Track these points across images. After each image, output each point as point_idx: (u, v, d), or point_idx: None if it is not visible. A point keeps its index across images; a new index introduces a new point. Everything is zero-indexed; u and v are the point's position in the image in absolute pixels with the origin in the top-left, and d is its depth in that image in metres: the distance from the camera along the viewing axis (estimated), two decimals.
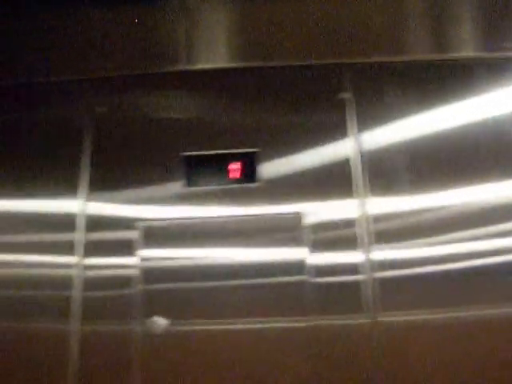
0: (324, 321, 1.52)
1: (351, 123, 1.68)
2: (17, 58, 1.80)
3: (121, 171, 1.66)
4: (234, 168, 1.66)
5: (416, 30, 1.79)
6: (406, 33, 1.78)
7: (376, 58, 1.75)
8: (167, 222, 1.61)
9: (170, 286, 1.56)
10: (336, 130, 1.68)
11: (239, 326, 1.53)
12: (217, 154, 1.67)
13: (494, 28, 1.79)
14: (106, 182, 1.65)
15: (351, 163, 1.65)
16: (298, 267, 1.57)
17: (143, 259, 1.57)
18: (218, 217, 1.61)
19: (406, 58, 1.75)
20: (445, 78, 1.72)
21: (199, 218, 1.62)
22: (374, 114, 1.69)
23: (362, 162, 1.64)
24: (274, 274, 1.57)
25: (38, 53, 1.79)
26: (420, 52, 1.77)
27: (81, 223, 1.60)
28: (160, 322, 1.52)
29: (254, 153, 1.66)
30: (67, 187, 1.64)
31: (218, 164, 1.66)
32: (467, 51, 1.76)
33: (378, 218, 1.60)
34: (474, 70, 1.73)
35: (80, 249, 1.57)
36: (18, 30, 1.80)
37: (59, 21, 1.80)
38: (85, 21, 1.80)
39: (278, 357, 1.51)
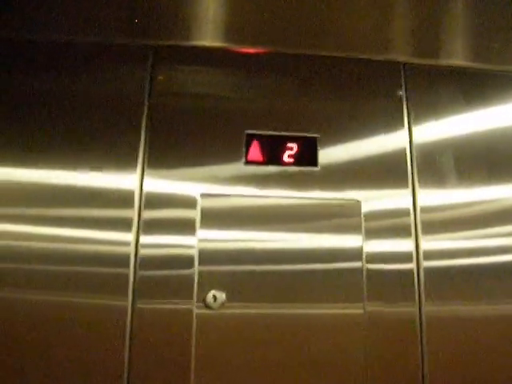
0: (377, 307, 1.56)
1: (407, 119, 1.74)
2: (65, 11, 1.67)
3: (180, 147, 1.60)
4: (296, 151, 1.65)
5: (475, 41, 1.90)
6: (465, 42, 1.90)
7: (436, 61, 1.83)
8: (227, 201, 1.58)
9: (227, 267, 1.54)
10: (393, 124, 1.73)
11: (294, 311, 1.55)
12: (280, 136, 1.66)
13: None
14: (164, 157, 1.59)
15: (406, 155, 1.70)
16: (355, 254, 1.59)
17: (201, 240, 1.54)
18: (278, 197, 1.61)
19: (459, 63, 1.84)
20: (489, 87, 1.83)
21: (260, 196, 1.60)
22: (427, 112, 1.76)
23: (416, 155, 1.70)
24: (330, 260, 1.58)
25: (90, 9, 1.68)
26: (472, 60, 1.88)
27: (138, 200, 1.54)
28: (218, 296, 1.51)
29: (315, 138, 1.67)
30: (124, 161, 1.56)
31: (280, 145, 1.65)
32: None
33: (428, 209, 1.66)
34: None
35: (137, 226, 1.52)
36: None
37: None
38: None
39: (333, 342, 1.54)
